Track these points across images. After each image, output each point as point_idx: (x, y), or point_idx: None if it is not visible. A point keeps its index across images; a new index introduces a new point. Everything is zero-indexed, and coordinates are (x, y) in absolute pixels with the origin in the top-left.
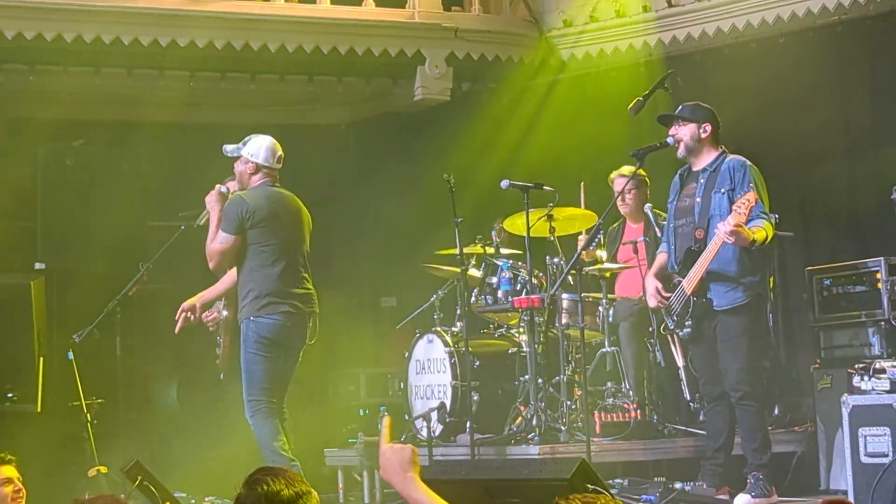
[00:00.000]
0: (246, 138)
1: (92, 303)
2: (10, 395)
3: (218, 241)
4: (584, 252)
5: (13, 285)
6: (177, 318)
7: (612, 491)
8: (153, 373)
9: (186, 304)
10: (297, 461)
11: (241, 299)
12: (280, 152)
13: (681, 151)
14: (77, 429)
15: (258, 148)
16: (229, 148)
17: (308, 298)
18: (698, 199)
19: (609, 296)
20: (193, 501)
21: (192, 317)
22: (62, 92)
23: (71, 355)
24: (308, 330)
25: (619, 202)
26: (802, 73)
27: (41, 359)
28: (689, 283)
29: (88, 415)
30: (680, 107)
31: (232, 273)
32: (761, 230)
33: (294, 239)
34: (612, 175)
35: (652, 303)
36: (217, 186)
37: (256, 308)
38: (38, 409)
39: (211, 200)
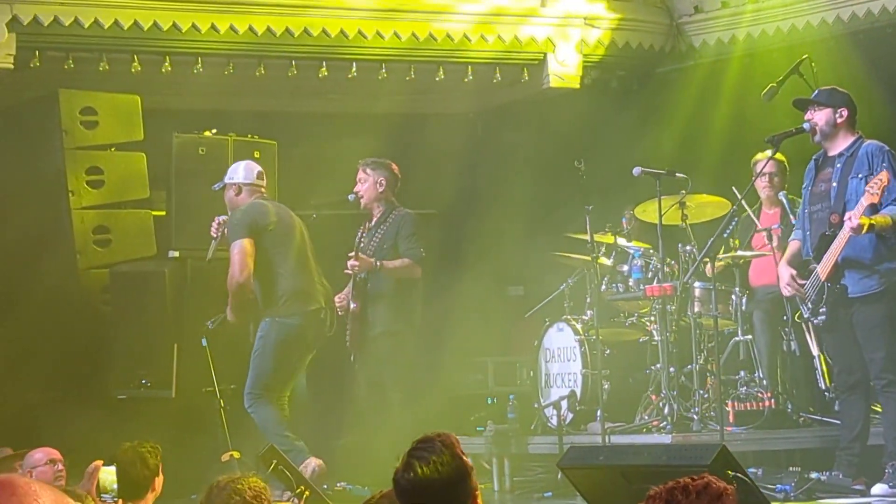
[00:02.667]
0: (227, 171)
1: (225, 289)
2: (144, 380)
3: (235, 252)
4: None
5: (148, 273)
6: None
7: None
8: None
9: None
10: (301, 441)
11: (265, 299)
12: (259, 168)
13: (816, 137)
14: (210, 414)
15: (234, 169)
16: (216, 185)
17: (325, 295)
18: (834, 184)
19: (741, 284)
20: (325, 486)
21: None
22: (196, 81)
23: (205, 342)
24: (326, 326)
25: (760, 184)
26: None
27: (175, 345)
28: (823, 268)
29: (221, 400)
30: (816, 91)
31: (232, 297)
32: (888, 217)
33: (303, 241)
34: (758, 156)
35: (787, 291)
36: (217, 218)
37: (281, 310)
38: (173, 395)
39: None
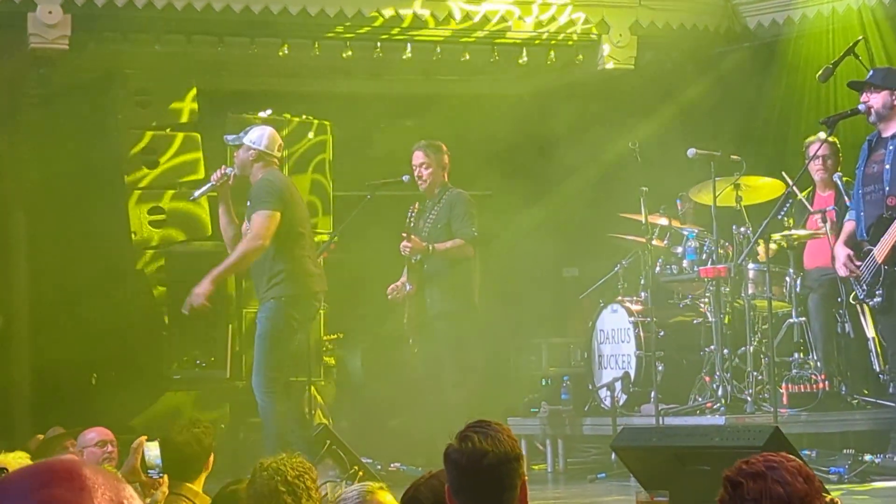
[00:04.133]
0: (247, 128)
1: None
2: (198, 361)
3: (264, 217)
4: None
5: (202, 253)
6: (193, 304)
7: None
8: (338, 340)
9: (201, 290)
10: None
11: (271, 278)
12: (280, 141)
13: (872, 118)
14: None
15: (260, 136)
16: (230, 137)
17: (322, 278)
18: (887, 166)
19: (796, 266)
20: (380, 467)
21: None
22: (249, 63)
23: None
24: (316, 311)
25: (814, 167)
26: None
27: (230, 326)
28: (880, 251)
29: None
30: (871, 72)
31: (240, 247)
32: None
33: (308, 220)
34: (811, 138)
35: (843, 272)
36: (224, 167)
37: (288, 289)
38: (227, 375)
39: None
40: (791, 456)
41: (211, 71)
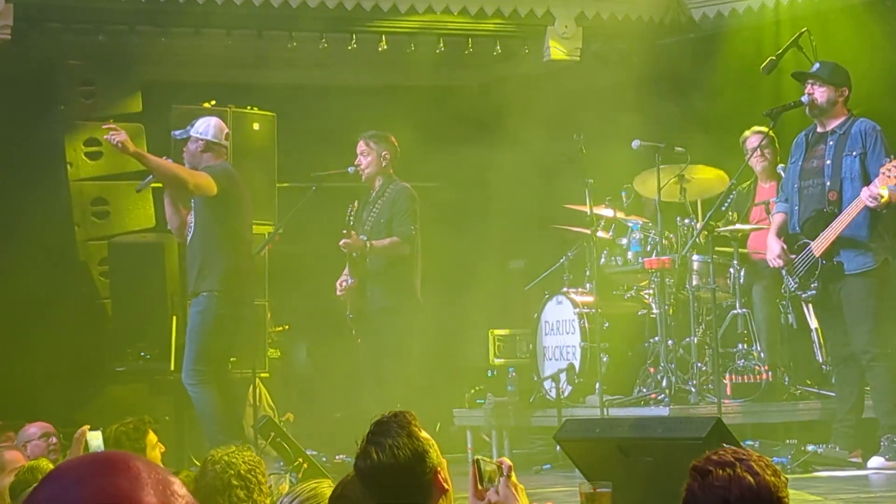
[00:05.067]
0: (192, 121)
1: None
2: (142, 353)
3: (203, 175)
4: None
5: (146, 245)
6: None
7: None
8: (284, 332)
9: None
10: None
11: (205, 271)
12: (227, 130)
13: (813, 111)
14: None
15: (206, 127)
16: (177, 133)
17: (255, 275)
18: (828, 162)
19: (741, 254)
20: (325, 459)
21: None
22: (194, 54)
23: None
24: (248, 303)
25: (755, 160)
26: None
27: (174, 317)
28: (819, 245)
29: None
30: (817, 65)
31: (174, 167)
32: (886, 188)
33: (248, 217)
34: (747, 133)
35: (775, 264)
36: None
37: (220, 283)
38: (171, 367)
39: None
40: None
41: (155, 62)
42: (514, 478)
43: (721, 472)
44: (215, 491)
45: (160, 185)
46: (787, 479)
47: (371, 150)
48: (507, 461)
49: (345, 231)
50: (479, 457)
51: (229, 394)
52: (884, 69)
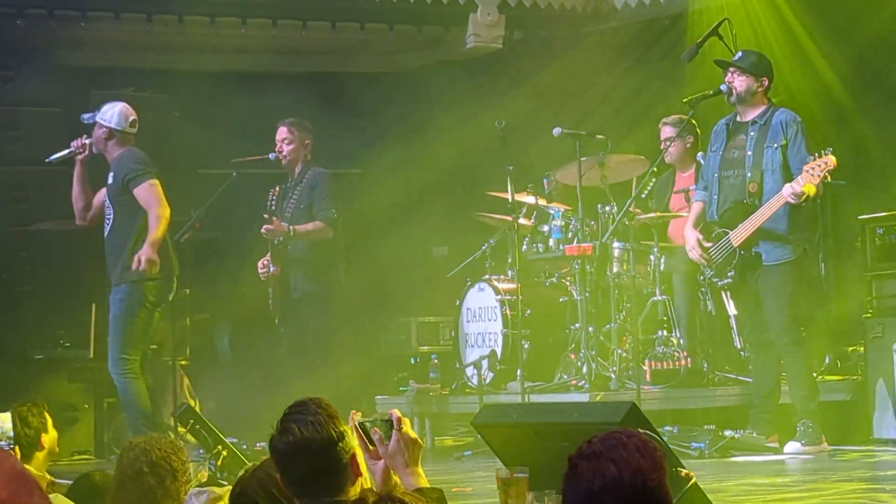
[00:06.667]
0: (102, 106)
1: None
2: (62, 340)
3: (152, 191)
4: (634, 200)
5: (65, 232)
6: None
7: (663, 438)
8: (204, 320)
9: (145, 256)
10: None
11: (130, 259)
12: (133, 116)
13: (732, 99)
14: None
15: (111, 113)
16: (86, 116)
17: (175, 262)
18: (749, 153)
19: (661, 244)
20: (245, 447)
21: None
22: (113, 39)
23: None
24: (172, 290)
25: (673, 147)
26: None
27: (94, 305)
28: (738, 235)
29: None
30: (739, 53)
31: (153, 222)
32: (812, 186)
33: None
34: (665, 120)
35: (693, 255)
36: (85, 136)
37: (143, 272)
38: (91, 355)
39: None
40: (638, 432)
41: (74, 47)
42: (408, 428)
43: (586, 463)
44: (127, 478)
45: (72, 159)
46: (663, 457)
47: (294, 137)
48: (395, 412)
49: (266, 216)
50: (360, 419)
51: (154, 383)
52: (804, 62)
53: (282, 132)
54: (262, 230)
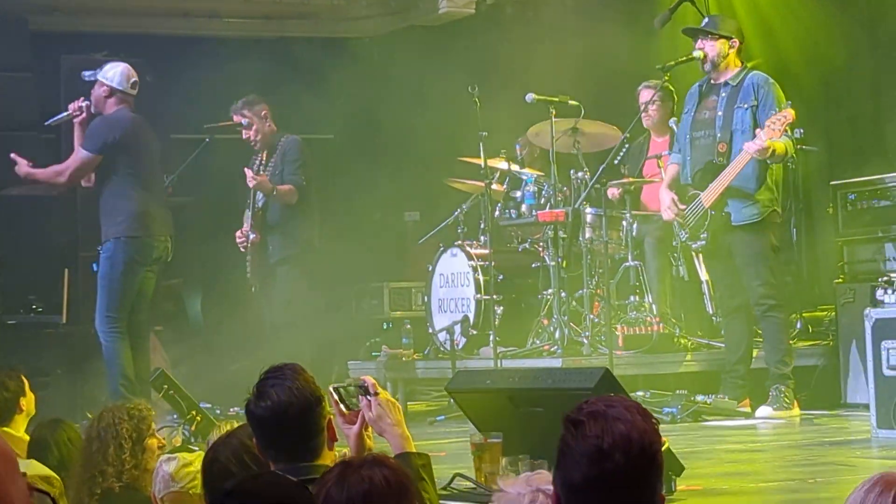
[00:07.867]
0: (103, 64)
1: None
2: (34, 306)
3: (79, 158)
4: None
5: (37, 197)
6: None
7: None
8: (177, 285)
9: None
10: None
11: (111, 218)
12: (135, 78)
13: (706, 65)
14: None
15: (114, 72)
16: (87, 73)
17: (170, 219)
18: (720, 113)
19: (633, 210)
20: (219, 411)
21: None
22: (85, 4)
23: (96, 267)
24: (167, 250)
25: (643, 115)
26: None
27: (66, 270)
28: (708, 196)
29: None
30: (706, 19)
31: (51, 170)
32: (781, 144)
33: (156, 162)
34: (641, 86)
35: (667, 215)
36: (82, 99)
37: (128, 229)
38: (64, 320)
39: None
40: (626, 397)
41: (45, 12)
42: (384, 393)
43: (593, 421)
44: (95, 441)
45: (71, 118)
46: (657, 421)
47: (252, 118)
48: (368, 378)
49: (251, 169)
50: (335, 385)
51: (136, 345)
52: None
53: (237, 119)
54: (249, 180)
